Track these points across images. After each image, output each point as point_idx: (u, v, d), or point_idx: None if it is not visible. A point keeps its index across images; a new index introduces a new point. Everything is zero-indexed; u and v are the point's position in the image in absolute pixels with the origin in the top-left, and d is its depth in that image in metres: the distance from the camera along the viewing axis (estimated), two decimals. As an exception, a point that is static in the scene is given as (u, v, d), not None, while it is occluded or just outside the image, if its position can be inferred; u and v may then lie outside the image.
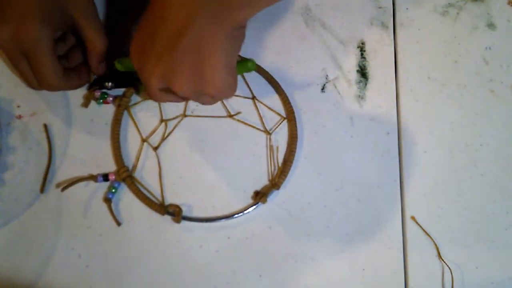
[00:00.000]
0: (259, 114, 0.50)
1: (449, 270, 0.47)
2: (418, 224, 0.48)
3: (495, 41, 0.53)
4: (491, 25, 0.54)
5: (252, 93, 0.50)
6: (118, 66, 0.45)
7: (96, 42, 0.45)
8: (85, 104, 0.48)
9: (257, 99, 0.50)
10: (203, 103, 0.40)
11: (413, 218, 0.48)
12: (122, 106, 0.48)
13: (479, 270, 0.48)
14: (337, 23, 0.52)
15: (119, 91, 0.49)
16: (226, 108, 0.50)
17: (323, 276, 0.47)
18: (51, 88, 0.44)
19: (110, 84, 0.48)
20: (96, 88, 0.48)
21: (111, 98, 0.48)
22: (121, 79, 0.48)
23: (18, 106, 0.48)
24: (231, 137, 0.49)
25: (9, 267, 0.46)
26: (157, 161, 0.48)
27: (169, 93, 0.39)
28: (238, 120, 0.49)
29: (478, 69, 0.52)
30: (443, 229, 0.48)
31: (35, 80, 0.44)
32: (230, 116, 0.49)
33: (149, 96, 0.40)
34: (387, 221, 0.48)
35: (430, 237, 0.48)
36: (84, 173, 0.47)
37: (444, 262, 0.47)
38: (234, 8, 0.35)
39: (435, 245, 0.48)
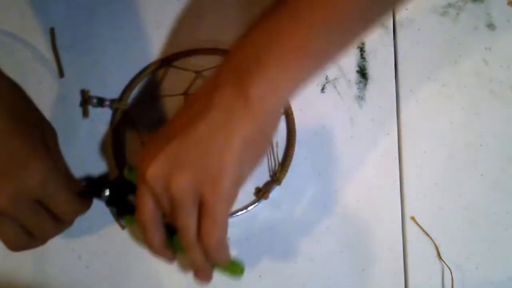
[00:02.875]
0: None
1: (449, 270, 0.47)
2: (418, 224, 0.48)
3: (495, 41, 0.53)
4: (491, 25, 0.54)
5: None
6: (127, 173, 0.42)
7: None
8: (86, 113, 0.48)
9: None
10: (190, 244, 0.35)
11: (413, 218, 0.48)
12: (120, 110, 0.48)
13: (479, 270, 0.48)
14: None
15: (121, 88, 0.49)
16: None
17: (323, 276, 0.47)
18: (69, 223, 0.40)
19: (107, 194, 0.43)
20: (92, 193, 0.43)
21: (107, 102, 0.48)
22: (119, 194, 0.44)
23: (18, 107, 0.48)
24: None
25: (9, 267, 0.46)
26: None
27: (159, 213, 0.36)
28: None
29: (478, 69, 0.52)
30: (443, 229, 0.48)
31: (48, 230, 0.39)
32: None
33: (138, 207, 0.36)
34: (387, 221, 0.48)
35: (430, 237, 0.48)
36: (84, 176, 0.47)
37: (444, 262, 0.47)
38: (260, 95, 0.33)
39: (435, 245, 0.48)
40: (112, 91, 0.49)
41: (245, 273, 0.46)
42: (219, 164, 0.32)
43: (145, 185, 0.35)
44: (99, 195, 0.43)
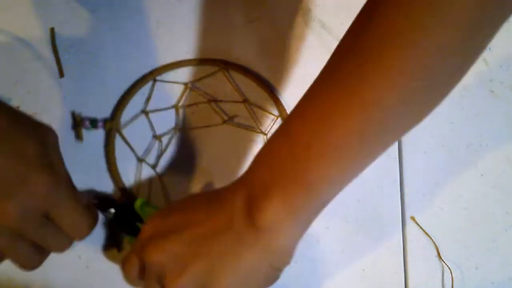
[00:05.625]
0: (252, 116, 0.50)
1: (449, 270, 0.47)
2: (418, 224, 0.48)
3: (495, 41, 0.53)
4: (491, 25, 0.53)
5: (243, 96, 0.50)
6: (137, 205, 0.42)
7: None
8: (80, 137, 0.47)
9: (248, 102, 0.50)
10: None
11: (413, 218, 0.48)
12: (113, 129, 0.48)
13: (479, 270, 0.48)
14: (337, 23, 0.52)
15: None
16: (220, 114, 0.49)
17: (323, 276, 0.47)
18: (82, 236, 0.38)
19: (112, 212, 0.43)
20: (98, 206, 0.42)
21: (100, 123, 0.47)
22: (124, 216, 0.44)
23: (18, 107, 0.48)
24: (228, 142, 0.49)
25: (9, 267, 0.45)
26: (157, 178, 0.47)
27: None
28: (233, 125, 0.49)
29: (478, 69, 0.52)
30: (443, 229, 0.48)
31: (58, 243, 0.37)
32: (225, 122, 0.49)
33: (124, 266, 0.36)
34: (387, 221, 0.48)
35: (430, 237, 0.48)
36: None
37: (444, 262, 0.47)
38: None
39: (435, 245, 0.48)
40: (113, 95, 0.49)
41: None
42: (217, 283, 0.33)
43: (144, 263, 0.35)
44: (105, 210, 0.42)
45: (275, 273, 0.35)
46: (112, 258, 0.45)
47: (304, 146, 0.32)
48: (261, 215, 0.32)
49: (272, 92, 0.50)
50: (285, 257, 0.34)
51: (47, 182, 0.33)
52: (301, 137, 0.32)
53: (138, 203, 0.43)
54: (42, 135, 0.36)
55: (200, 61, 0.51)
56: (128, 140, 0.48)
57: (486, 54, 0.53)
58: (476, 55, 0.32)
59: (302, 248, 0.47)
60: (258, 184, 0.33)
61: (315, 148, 0.32)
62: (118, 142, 0.48)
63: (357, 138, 0.31)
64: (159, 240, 0.34)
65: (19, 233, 0.34)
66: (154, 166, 0.48)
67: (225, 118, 0.49)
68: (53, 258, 0.46)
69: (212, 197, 0.36)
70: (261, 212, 0.32)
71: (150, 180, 0.48)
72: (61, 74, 0.49)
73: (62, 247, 0.37)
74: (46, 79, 0.49)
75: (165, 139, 0.48)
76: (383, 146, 0.33)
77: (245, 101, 0.50)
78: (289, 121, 0.34)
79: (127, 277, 0.37)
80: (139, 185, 0.47)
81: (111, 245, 0.45)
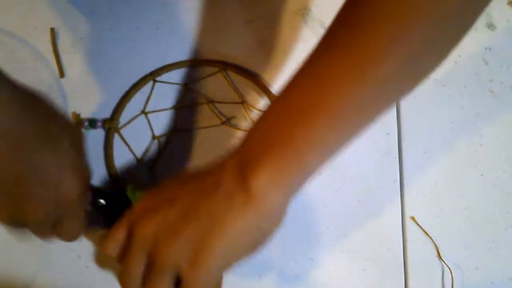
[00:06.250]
0: (250, 117, 0.50)
1: (449, 270, 0.47)
2: (418, 224, 0.48)
3: (495, 41, 0.53)
4: (491, 25, 0.54)
5: (241, 97, 0.50)
6: (129, 191, 0.43)
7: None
8: None
9: (246, 103, 0.50)
10: None
11: (413, 218, 0.48)
12: (112, 129, 0.48)
13: (479, 270, 0.48)
14: (337, 23, 0.52)
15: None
16: (218, 116, 0.49)
17: (323, 276, 0.47)
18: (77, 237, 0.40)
19: (102, 202, 0.43)
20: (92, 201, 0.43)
21: (99, 123, 0.48)
22: (115, 206, 0.43)
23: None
24: (226, 143, 0.49)
25: (9, 267, 0.46)
26: (154, 178, 0.47)
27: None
28: (231, 126, 0.49)
29: (478, 69, 0.52)
30: (443, 229, 0.48)
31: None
32: (223, 123, 0.49)
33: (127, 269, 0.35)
34: (387, 221, 0.48)
35: (430, 237, 0.48)
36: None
37: (444, 262, 0.47)
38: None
39: (435, 245, 0.48)
40: (113, 95, 0.49)
41: (245, 273, 0.46)
42: (207, 248, 0.33)
43: (134, 245, 0.35)
44: (96, 201, 0.42)
45: (263, 238, 0.35)
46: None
47: (298, 110, 0.32)
48: (252, 179, 0.32)
49: (270, 94, 0.50)
50: (275, 221, 0.34)
51: (75, 189, 0.36)
52: (295, 102, 0.33)
53: (129, 188, 0.43)
54: (74, 137, 0.38)
55: (199, 62, 0.51)
56: (127, 140, 0.48)
57: (486, 54, 0.53)
58: (474, 16, 0.33)
59: (302, 248, 0.47)
60: (250, 150, 0.33)
61: (310, 112, 0.32)
62: (117, 142, 0.48)
63: (353, 101, 0.32)
64: (149, 214, 0.34)
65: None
66: (152, 166, 0.48)
67: (223, 119, 0.49)
68: (53, 258, 0.46)
69: (203, 171, 0.36)
70: (252, 175, 0.32)
71: (146, 181, 0.48)
72: (61, 74, 0.50)
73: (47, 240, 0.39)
74: (46, 79, 0.49)
75: (163, 140, 0.49)
76: (377, 111, 0.34)
77: (243, 102, 0.50)
78: (283, 91, 0.34)
79: (107, 248, 0.36)
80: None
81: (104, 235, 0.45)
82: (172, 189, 0.36)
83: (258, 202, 0.32)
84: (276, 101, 0.35)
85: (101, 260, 0.46)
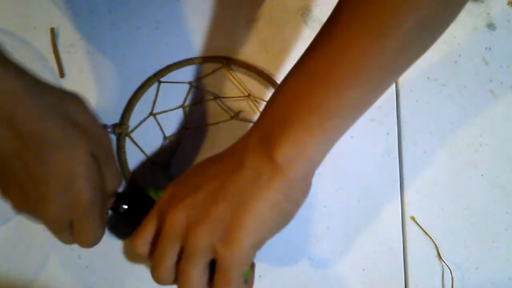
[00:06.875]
0: (258, 109, 0.50)
1: (449, 270, 0.47)
2: (418, 224, 0.48)
3: (495, 41, 0.53)
4: (491, 25, 0.54)
5: (247, 91, 0.50)
6: (151, 192, 0.42)
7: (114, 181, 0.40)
8: None
9: (252, 96, 0.50)
10: None
11: (413, 218, 0.48)
12: (123, 134, 0.48)
13: (479, 270, 0.48)
14: (337, 23, 0.52)
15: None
16: (226, 111, 0.50)
17: (323, 276, 0.47)
18: (93, 243, 0.40)
19: (124, 207, 0.42)
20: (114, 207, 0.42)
21: (109, 129, 0.48)
22: (138, 209, 0.42)
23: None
24: (237, 137, 0.49)
25: (9, 267, 0.46)
26: (170, 178, 0.47)
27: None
28: (241, 120, 0.49)
29: (478, 69, 0.52)
30: (443, 229, 0.48)
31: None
32: (232, 117, 0.49)
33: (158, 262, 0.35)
34: (387, 221, 0.48)
35: (430, 237, 0.48)
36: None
37: (444, 262, 0.47)
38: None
39: (435, 245, 0.48)
40: (115, 96, 0.49)
41: (245, 273, 0.46)
42: (239, 225, 0.33)
43: (165, 234, 0.35)
44: (118, 207, 0.42)
45: (292, 207, 0.35)
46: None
47: (319, 74, 0.33)
48: (276, 149, 0.33)
49: (275, 84, 0.50)
50: (301, 189, 0.34)
51: (86, 194, 0.35)
52: (315, 68, 0.33)
53: (151, 189, 0.42)
54: (98, 143, 0.37)
55: (202, 59, 0.51)
56: (139, 143, 0.48)
57: (486, 54, 0.53)
58: None
59: (302, 248, 0.47)
60: (272, 123, 0.34)
61: (332, 74, 0.32)
62: (129, 146, 0.48)
63: (374, 58, 0.32)
64: (176, 201, 0.35)
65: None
66: (166, 167, 0.48)
67: (231, 114, 0.49)
68: (53, 258, 0.46)
69: (222, 154, 0.36)
70: (276, 147, 0.33)
71: (164, 181, 0.48)
72: (61, 74, 0.50)
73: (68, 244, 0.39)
74: (46, 79, 0.49)
75: (175, 139, 0.49)
76: (396, 70, 0.35)
77: (249, 96, 0.50)
78: (302, 60, 0.35)
79: (137, 246, 0.36)
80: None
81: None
82: (195, 176, 0.36)
83: (283, 170, 0.33)
84: (290, 76, 0.35)
85: (101, 260, 0.46)
